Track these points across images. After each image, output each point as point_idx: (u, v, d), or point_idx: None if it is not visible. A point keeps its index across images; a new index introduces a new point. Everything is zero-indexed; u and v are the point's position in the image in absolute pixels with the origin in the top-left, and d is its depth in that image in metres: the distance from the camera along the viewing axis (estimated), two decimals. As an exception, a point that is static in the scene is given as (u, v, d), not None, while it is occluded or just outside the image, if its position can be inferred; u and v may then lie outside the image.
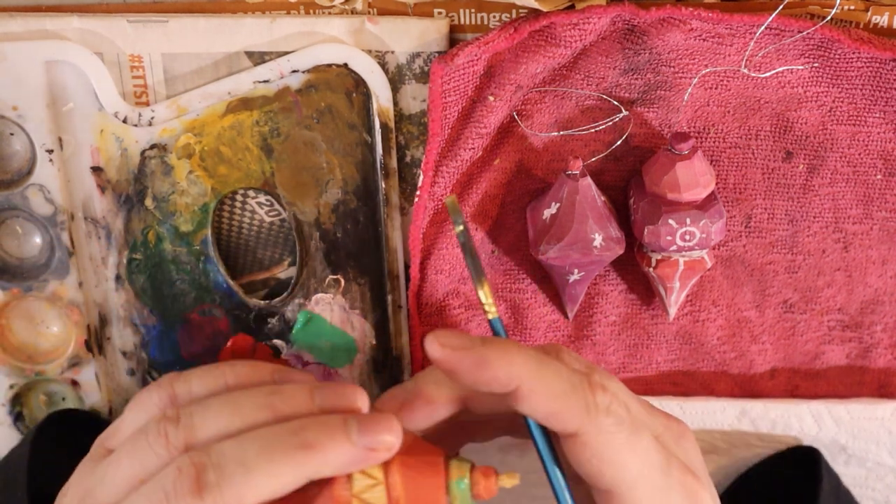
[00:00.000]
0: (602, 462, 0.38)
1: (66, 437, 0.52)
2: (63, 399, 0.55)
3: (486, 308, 0.39)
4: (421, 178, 0.49)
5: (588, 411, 0.37)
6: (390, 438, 0.36)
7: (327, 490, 0.37)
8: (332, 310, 0.54)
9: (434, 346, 0.37)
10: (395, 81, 0.49)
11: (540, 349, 0.40)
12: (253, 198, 0.53)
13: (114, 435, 0.40)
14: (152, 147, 0.50)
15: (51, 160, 0.49)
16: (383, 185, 0.51)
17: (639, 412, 0.40)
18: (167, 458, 0.36)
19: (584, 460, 0.38)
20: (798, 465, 0.57)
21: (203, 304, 0.53)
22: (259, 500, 0.35)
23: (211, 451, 0.35)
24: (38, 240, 0.52)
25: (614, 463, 0.38)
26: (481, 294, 0.39)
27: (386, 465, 0.37)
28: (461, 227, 0.40)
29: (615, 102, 0.49)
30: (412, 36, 0.47)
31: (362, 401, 0.39)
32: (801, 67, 0.48)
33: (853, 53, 0.48)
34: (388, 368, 0.55)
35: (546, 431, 0.39)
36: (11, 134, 0.49)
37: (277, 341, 0.54)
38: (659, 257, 0.50)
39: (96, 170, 0.50)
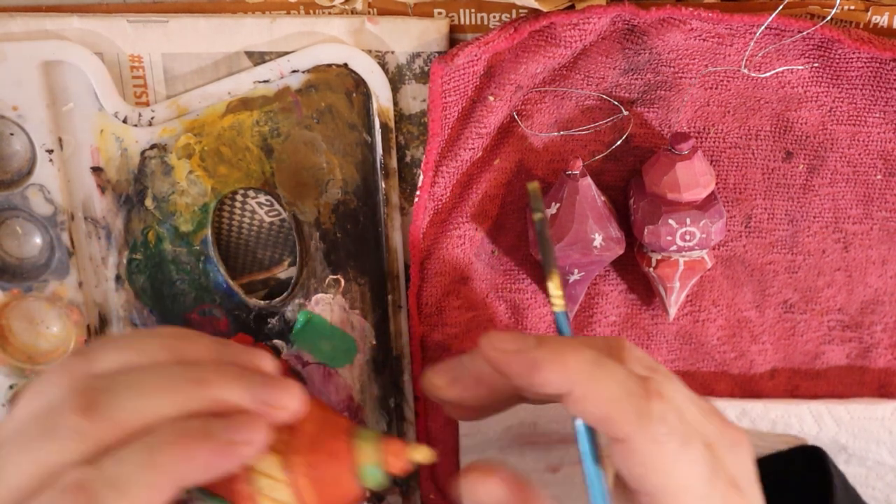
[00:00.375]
0: (647, 469, 0.37)
1: None
2: (63, 399, 0.55)
3: (554, 301, 0.39)
4: (421, 178, 0.49)
5: (640, 419, 0.37)
6: (292, 402, 0.36)
7: (235, 483, 0.37)
8: (332, 310, 0.54)
9: (488, 349, 0.37)
10: (395, 81, 0.49)
11: (603, 344, 0.39)
12: (253, 198, 0.53)
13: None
14: (152, 147, 0.50)
15: (51, 160, 0.49)
16: (383, 185, 0.51)
17: (694, 419, 0.39)
18: (67, 386, 0.36)
19: (630, 465, 0.38)
20: (803, 464, 0.57)
21: (203, 305, 0.53)
22: (146, 426, 0.35)
23: (105, 377, 0.36)
24: (38, 240, 0.52)
25: (660, 471, 0.37)
26: (550, 285, 0.39)
27: (290, 465, 0.37)
28: (540, 215, 0.40)
29: (615, 102, 0.49)
30: (412, 36, 0.47)
31: (268, 364, 0.38)
32: (801, 67, 0.48)
33: (853, 53, 0.48)
34: (388, 368, 0.55)
35: (593, 431, 0.39)
36: (11, 134, 0.49)
37: (277, 341, 0.54)
38: (659, 257, 0.50)
39: (96, 170, 0.50)
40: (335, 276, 0.53)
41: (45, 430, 0.35)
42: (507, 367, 0.37)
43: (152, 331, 0.41)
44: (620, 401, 0.37)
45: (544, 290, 0.54)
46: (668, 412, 0.37)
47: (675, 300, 0.52)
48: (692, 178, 0.47)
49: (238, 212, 0.53)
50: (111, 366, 0.37)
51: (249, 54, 0.48)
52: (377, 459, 0.38)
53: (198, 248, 0.52)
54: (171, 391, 0.35)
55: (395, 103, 0.49)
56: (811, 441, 0.58)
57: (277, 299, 0.53)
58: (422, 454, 0.38)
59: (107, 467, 0.34)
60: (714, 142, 0.51)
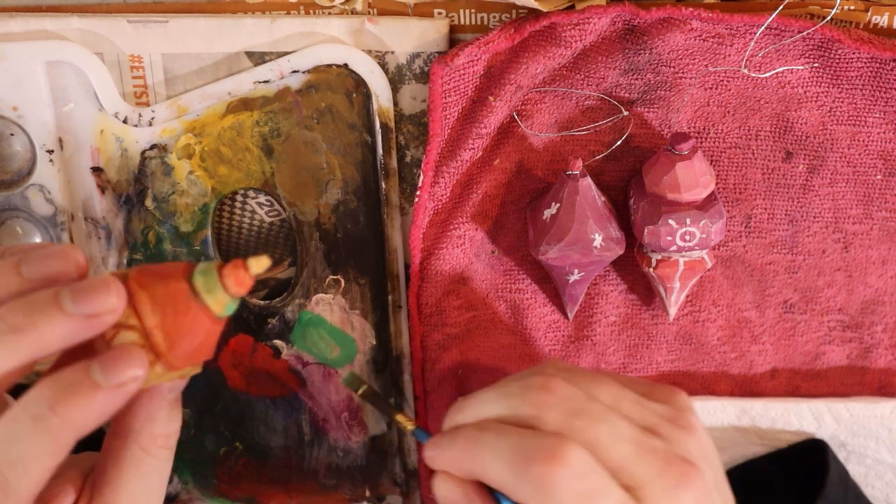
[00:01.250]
0: None
1: None
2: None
3: (405, 426, 0.45)
4: (421, 178, 0.49)
5: (537, 491, 0.37)
6: (111, 300, 0.34)
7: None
8: (332, 310, 0.54)
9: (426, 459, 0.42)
10: (395, 81, 0.49)
11: (515, 391, 0.41)
12: (253, 198, 0.53)
13: None
14: (152, 147, 0.50)
15: (51, 160, 0.49)
16: (383, 186, 0.51)
17: (618, 460, 0.39)
18: None
19: None
20: (806, 458, 0.57)
21: (203, 305, 0.53)
22: None
23: None
24: (38, 240, 0.52)
25: None
26: (399, 420, 0.45)
27: (125, 283, 0.35)
28: (364, 388, 0.47)
29: (615, 102, 0.49)
30: (412, 36, 0.47)
31: (77, 259, 0.35)
32: (801, 67, 0.48)
33: (853, 53, 0.48)
34: (389, 368, 0.55)
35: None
36: (12, 134, 0.49)
37: (277, 341, 0.54)
38: (659, 257, 0.50)
39: (96, 170, 0.50)
40: (335, 277, 0.53)
41: None
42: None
43: None
44: (512, 476, 0.38)
45: (544, 290, 0.54)
46: (566, 474, 0.37)
47: (675, 300, 0.52)
48: (692, 178, 0.47)
49: (238, 212, 0.53)
50: None
51: (249, 54, 0.48)
52: (214, 272, 0.36)
53: (198, 248, 0.52)
54: None
55: (395, 103, 0.49)
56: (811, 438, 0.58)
57: (277, 299, 0.53)
58: (259, 264, 0.36)
59: None
60: (714, 142, 0.51)
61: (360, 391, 0.47)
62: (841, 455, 0.58)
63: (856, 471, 0.59)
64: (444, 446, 0.41)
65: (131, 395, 0.34)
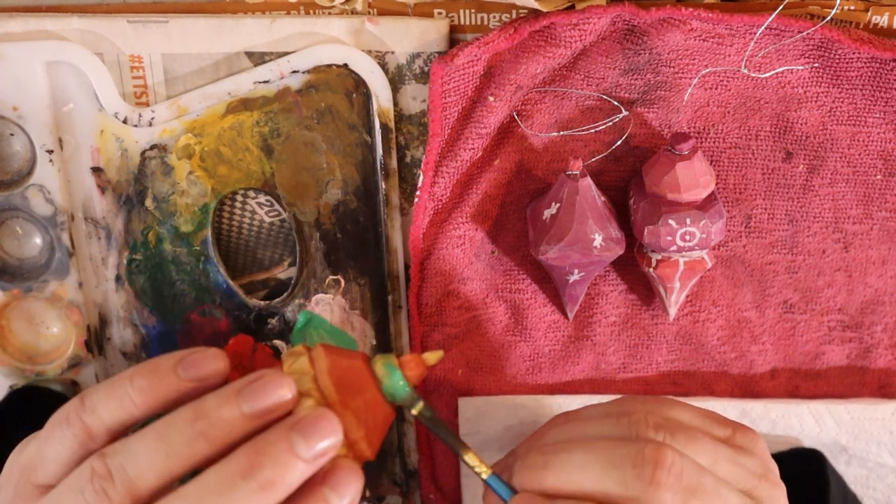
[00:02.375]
0: None
1: (29, 412, 0.52)
2: (63, 399, 0.55)
3: (478, 471, 0.40)
4: (421, 178, 0.49)
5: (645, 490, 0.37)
6: (334, 439, 0.35)
7: None
8: (332, 310, 0.54)
9: None
10: (395, 82, 0.49)
11: (611, 412, 0.40)
12: (253, 198, 0.53)
13: (38, 468, 0.37)
14: (152, 147, 0.50)
15: (51, 161, 0.49)
16: (383, 186, 0.51)
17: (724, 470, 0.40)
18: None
19: None
20: (801, 467, 0.57)
21: (203, 305, 0.53)
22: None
23: None
24: (38, 240, 0.52)
25: None
26: (468, 460, 0.40)
27: (311, 362, 0.38)
28: (420, 406, 0.40)
29: (615, 102, 0.49)
30: (412, 36, 0.47)
31: (287, 389, 0.36)
32: (801, 67, 0.48)
33: (853, 53, 0.48)
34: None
35: None
36: (11, 134, 0.49)
37: (277, 342, 0.54)
38: (659, 257, 0.50)
39: (96, 170, 0.50)
40: (335, 277, 0.53)
41: None
42: None
43: (144, 386, 0.37)
44: (619, 483, 0.38)
45: (544, 290, 0.54)
46: (672, 475, 0.38)
47: (675, 300, 0.52)
48: (692, 178, 0.47)
49: (238, 212, 0.53)
50: (152, 483, 0.35)
51: (249, 55, 0.48)
52: (394, 362, 0.38)
53: (198, 248, 0.52)
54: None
55: (395, 103, 0.49)
56: (811, 442, 0.58)
57: (277, 300, 0.53)
58: (434, 357, 0.39)
59: None
60: (714, 142, 0.51)
61: (416, 409, 0.40)
62: (842, 459, 0.58)
63: (857, 474, 0.59)
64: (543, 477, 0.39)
65: (324, 463, 0.35)
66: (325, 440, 0.35)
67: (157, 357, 0.37)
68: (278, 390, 0.36)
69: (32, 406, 0.53)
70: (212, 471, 0.34)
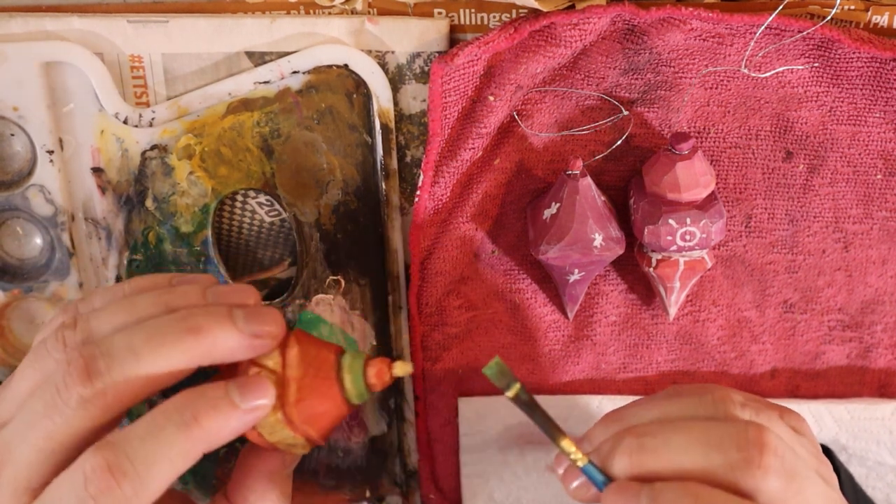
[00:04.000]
0: None
1: None
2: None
3: (574, 459, 0.39)
4: (421, 178, 0.49)
5: (754, 474, 0.37)
6: (274, 328, 0.39)
7: (230, 368, 0.40)
8: (332, 310, 0.54)
9: None
10: (396, 82, 0.49)
11: (734, 439, 0.38)
12: (253, 198, 0.53)
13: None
14: (153, 148, 0.50)
15: (51, 161, 0.49)
16: (383, 186, 0.51)
17: (801, 450, 0.40)
18: (64, 358, 0.37)
19: None
20: None
21: (203, 305, 0.53)
22: (149, 384, 0.37)
23: (101, 343, 0.37)
24: (38, 241, 0.52)
25: None
26: (564, 446, 0.39)
27: (282, 349, 0.40)
28: (517, 387, 0.39)
29: (615, 102, 0.49)
30: (412, 36, 0.47)
31: (253, 297, 0.40)
32: (801, 67, 0.48)
33: (853, 53, 0.48)
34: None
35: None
36: (12, 135, 0.49)
37: (278, 342, 0.54)
38: (659, 257, 0.50)
39: (97, 171, 0.50)
40: (335, 277, 0.53)
41: (49, 405, 0.36)
42: None
43: (141, 284, 0.41)
44: (724, 465, 0.37)
45: (544, 290, 0.54)
46: (777, 458, 0.37)
47: (675, 300, 0.52)
48: (692, 178, 0.47)
49: (238, 212, 0.53)
50: (105, 329, 0.38)
51: (250, 55, 0.48)
52: (359, 369, 0.40)
53: (198, 248, 0.52)
54: (166, 346, 0.37)
55: (396, 103, 0.49)
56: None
57: (278, 300, 0.53)
58: (401, 369, 0.40)
59: (132, 446, 0.36)
60: (714, 142, 0.51)
61: (511, 392, 0.39)
62: (842, 458, 0.58)
63: (857, 472, 0.59)
64: (649, 498, 0.37)
65: (257, 421, 0.38)
66: (265, 324, 0.38)
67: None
68: (244, 293, 0.40)
69: None
70: (153, 410, 0.37)
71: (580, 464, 0.39)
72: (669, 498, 0.37)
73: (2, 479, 0.36)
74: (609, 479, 0.39)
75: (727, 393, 0.41)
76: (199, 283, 0.40)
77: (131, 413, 0.55)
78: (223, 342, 0.37)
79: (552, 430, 0.39)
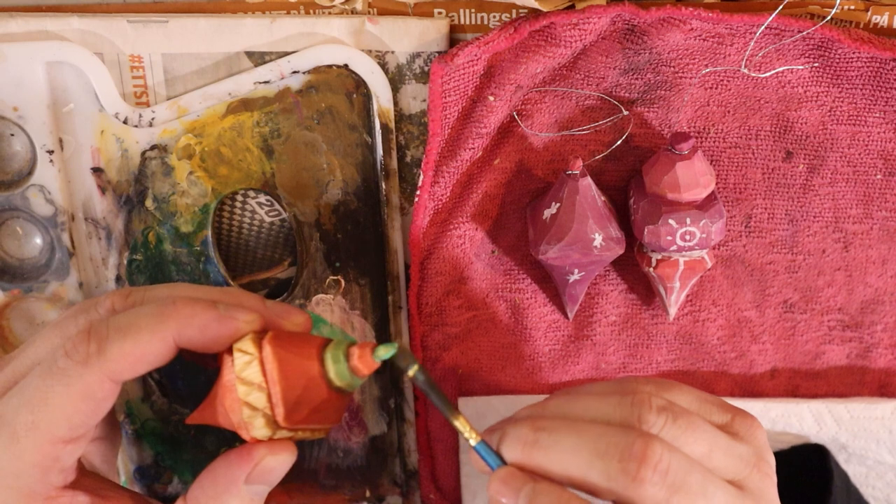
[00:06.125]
0: None
1: None
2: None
3: (467, 437, 0.40)
4: (421, 178, 0.49)
5: (627, 487, 0.38)
6: (250, 315, 0.41)
7: (219, 380, 0.41)
8: (332, 310, 0.54)
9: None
10: (396, 81, 0.49)
11: (619, 449, 0.39)
12: (253, 198, 0.53)
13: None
14: (153, 148, 0.50)
15: (51, 161, 0.49)
16: (384, 186, 0.51)
17: (716, 461, 0.40)
18: (75, 330, 0.42)
19: None
20: (805, 461, 0.57)
21: (203, 305, 0.53)
22: (139, 357, 0.39)
23: (105, 319, 0.41)
24: (38, 240, 0.52)
25: None
26: (457, 426, 0.40)
27: (260, 342, 0.40)
28: (415, 368, 0.40)
29: (615, 102, 0.49)
30: (412, 36, 0.47)
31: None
32: (801, 67, 0.48)
33: (853, 53, 0.48)
34: (389, 369, 0.55)
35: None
36: (12, 135, 0.49)
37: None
38: (659, 257, 0.50)
39: (97, 171, 0.50)
40: (335, 277, 0.53)
41: (50, 366, 0.39)
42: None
43: (162, 294, 0.44)
44: (603, 474, 0.38)
45: (544, 290, 0.54)
46: (657, 472, 0.38)
47: (675, 300, 0.52)
48: (692, 178, 0.47)
49: (238, 212, 0.53)
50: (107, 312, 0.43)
51: (250, 55, 0.48)
52: (343, 349, 0.40)
53: (198, 248, 0.52)
54: (147, 319, 0.40)
55: (396, 103, 0.49)
56: (811, 440, 0.58)
57: (278, 300, 0.53)
58: (385, 350, 0.40)
59: (116, 317, 0.40)
60: (714, 142, 0.51)
61: (411, 372, 0.40)
62: (842, 457, 0.58)
63: (857, 471, 0.59)
64: (527, 498, 0.38)
65: (233, 329, 0.40)
66: (241, 311, 0.41)
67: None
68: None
69: None
70: None
71: (472, 443, 0.40)
72: (545, 501, 0.38)
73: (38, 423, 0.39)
74: (501, 460, 0.40)
75: (647, 396, 0.41)
76: (211, 295, 0.44)
77: (134, 417, 0.55)
78: (196, 318, 0.40)
79: (448, 409, 0.40)
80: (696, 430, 0.40)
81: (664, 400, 0.41)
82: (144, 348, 0.39)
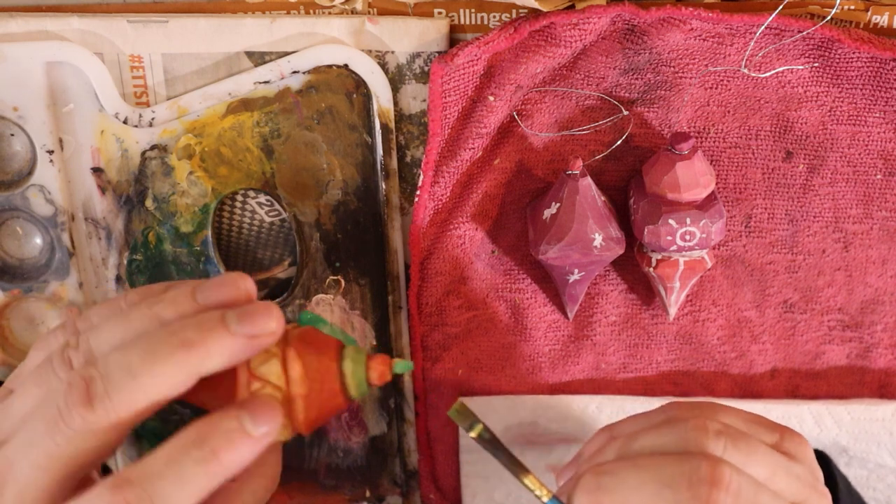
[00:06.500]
0: None
1: None
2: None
3: (539, 496, 0.40)
4: (421, 178, 0.49)
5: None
6: (271, 324, 0.37)
7: (230, 372, 0.38)
8: (332, 310, 0.54)
9: None
10: (396, 81, 0.49)
11: (687, 477, 0.38)
12: (253, 198, 0.53)
13: (18, 376, 0.40)
14: (153, 148, 0.50)
15: (51, 161, 0.49)
16: (383, 186, 0.51)
17: (780, 485, 0.40)
18: (65, 378, 0.37)
19: None
20: None
21: (203, 305, 0.53)
22: (150, 403, 0.36)
23: (98, 363, 0.36)
24: (38, 240, 0.52)
25: None
26: (528, 483, 0.40)
27: (283, 344, 0.38)
28: (479, 428, 0.40)
29: (615, 102, 0.49)
30: (412, 36, 0.47)
31: (245, 286, 0.38)
32: (801, 67, 0.48)
33: (853, 53, 0.48)
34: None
35: None
36: (12, 135, 0.50)
37: (278, 342, 0.54)
38: (659, 257, 0.50)
39: (97, 171, 0.50)
40: (335, 277, 0.53)
41: (51, 424, 0.36)
42: None
43: (133, 298, 0.40)
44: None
45: (544, 290, 0.54)
46: (729, 495, 0.37)
47: (675, 300, 0.52)
48: (692, 178, 0.47)
49: (238, 212, 0.53)
50: (103, 348, 0.37)
51: (250, 55, 0.48)
52: (362, 357, 0.39)
53: (198, 248, 0.52)
54: (160, 363, 0.36)
55: (395, 103, 0.49)
56: (812, 443, 0.58)
57: (278, 300, 0.53)
58: (401, 367, 0.40)
59: (152, 484, 0.35)
60: (714, 142, 0.51)
61: (474, 432, 0.40)
62: (842, 460, 0.58)
63: (857, 474, 0.59)
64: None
65: (260, 348, 0.37)
66: (259, 323, 0.37)
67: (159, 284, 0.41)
68: (234, 284, 0.38)
69: None
70: (165, 443, 0.36)
71: (544, 500, 0.40)
72: None
73: (5, 499, 0.36)
74: None
75: (704, 421, 0.40)
76: (188, 285, 0.39)
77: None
78: (219, 350, 0.36)
79: (517, 469, 0.40)
80: (756, 453, 0.40)
81: (720, 423, 0.41)
82: (163, 394, 0.36)
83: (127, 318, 0.38)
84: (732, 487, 0.38)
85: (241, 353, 0.37)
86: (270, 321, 0.37)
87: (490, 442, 0.40)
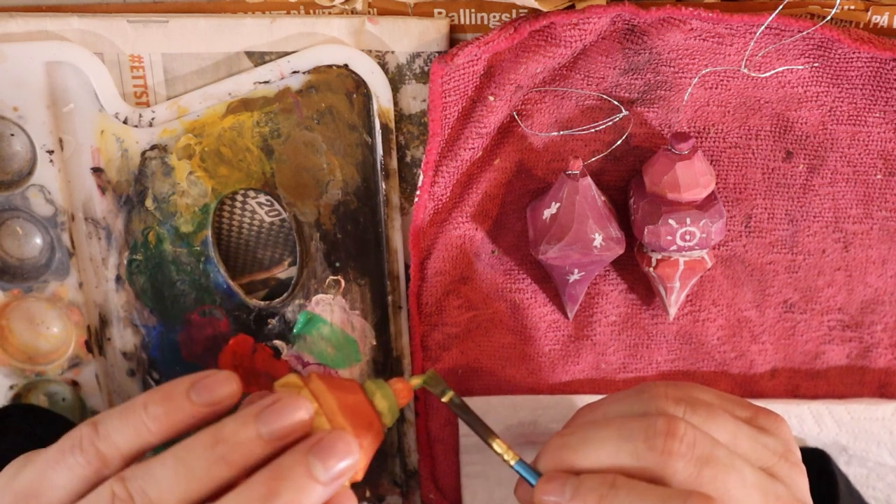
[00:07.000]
0: None
1: (21, 430, 0.52)
2: (63, 400, 0.55)
3: (506, 458, 0.41)
4: (421, 178, 0.49)
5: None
6: (350, 462, 0.36)
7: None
8: (332, 310, 0.54)
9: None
10: (396, 81, 0.49)
11: (644, 431, 0.39)
12: (253, 198, 0.53)
13: (42, 494, 0.37)
14: (153, 148, 0.50)
15: (51, 161, 0.49)
16: (383, 186, 0.51)
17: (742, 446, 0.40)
18: None
19: None
20: (807, 465, 0.57)
21: (203, 305, 0.53)
22: None
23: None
24: (38, 240, 0.52)
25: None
26: (495, 448, 0.42)
27: (315, 396, 0.39)
28: (450, 395, 0.43)
29: (615, 102, 0.49)
30: (412, 36, 0.47)
31: (304, 411, 0.37)
32: (801, 67, 0.48)
33: (853, 53, 0.48)
34: (389, 369, 0.55)
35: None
36: (12, 135, 0.50)
37: (278, 342, 0.54)
38: (659, 257, 0.50)
39: (97, 170, 0.50)
40: (335, 277, 0.53)
41: None
42: None
43: (157, 409, 0.37)
44: (632, 455, 0.39)
45: (544, 290, 0.54)
46: (684, 444, 0.38)
47: (675, 300, 0.52)
48: (692, 178, 0.47)
49: (238, 212, 0.53)
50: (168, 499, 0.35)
51: (250, 55, 0.48)
52: (391, 398, 0.41)
53: (198, 248, 0.52)
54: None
55: (396, 103, 0.49)
56: (812, 442, 0.58)
57: (278, 300, 0.53)
58: (419, 380, 0.42)
59: None
60: (714, 142, 0.51)
61: (446, 398, 0.43)
62: (842, 459, 0.58)
63: (857, 473, 0.59)
64: (568, 497, 0.39)
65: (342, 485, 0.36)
66: (342, 462, 0.36)
67: (170, 382, 0.38)
68: (296, 413, 0.37)
69: (12, 424, 0.53)
70: (230, 496, 0.34)
71: (511, 462, 0.42)
72: (590, 486, 0.38)
73: None
74: (539, 475, 0.42)
75: (664, 390, 0.42)
76: (244, 415, 0.36)
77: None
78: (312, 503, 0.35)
79: (484, 432, 0.42)
80: (716, 419, 0.41)
81: (683, 393, 0.42)
82: None
83: (188, 467, 0.35)
84: (687, 438, 0.39)
85: (327, 498, 0.36)
86: (350, 458, 0.36)
87: (460, 407, 0.43)
